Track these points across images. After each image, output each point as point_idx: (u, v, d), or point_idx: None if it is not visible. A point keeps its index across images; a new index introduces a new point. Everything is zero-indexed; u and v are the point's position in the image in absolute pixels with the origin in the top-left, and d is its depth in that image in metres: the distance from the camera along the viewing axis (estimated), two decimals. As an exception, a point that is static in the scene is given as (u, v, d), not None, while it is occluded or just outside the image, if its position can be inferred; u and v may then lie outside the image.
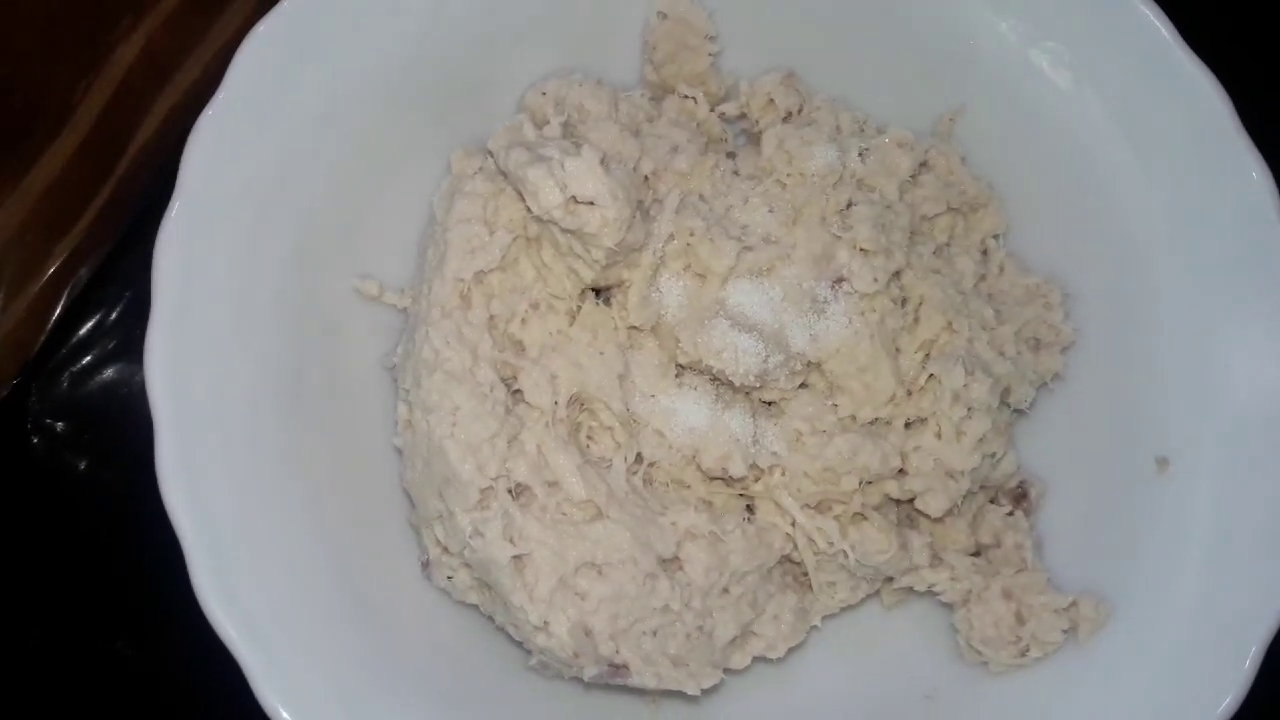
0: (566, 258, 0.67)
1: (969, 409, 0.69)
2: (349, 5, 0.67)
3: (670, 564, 0.67)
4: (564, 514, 0.66)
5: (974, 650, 0.70)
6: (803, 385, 0.70)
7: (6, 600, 0.81)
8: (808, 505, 0.69)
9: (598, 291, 0.70)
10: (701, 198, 0.71)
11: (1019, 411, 0.73)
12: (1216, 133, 0.67)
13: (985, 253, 0.76)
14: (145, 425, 0.62)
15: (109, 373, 0.84)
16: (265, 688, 0.61)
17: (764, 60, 0.76)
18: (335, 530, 0.67)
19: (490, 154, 0.69)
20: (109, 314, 0.84)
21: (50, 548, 0.82)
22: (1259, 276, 0.67)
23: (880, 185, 0.72)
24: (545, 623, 0.65)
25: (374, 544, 0.69)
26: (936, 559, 0.71)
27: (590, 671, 0.66)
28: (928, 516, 0.71)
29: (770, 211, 0.70)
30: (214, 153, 0.64)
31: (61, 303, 0.79)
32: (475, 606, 0.70)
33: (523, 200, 0.66)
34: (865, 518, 0.69)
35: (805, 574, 0.71)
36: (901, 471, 0.69)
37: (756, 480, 0.69)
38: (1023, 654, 0.69)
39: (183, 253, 0.64)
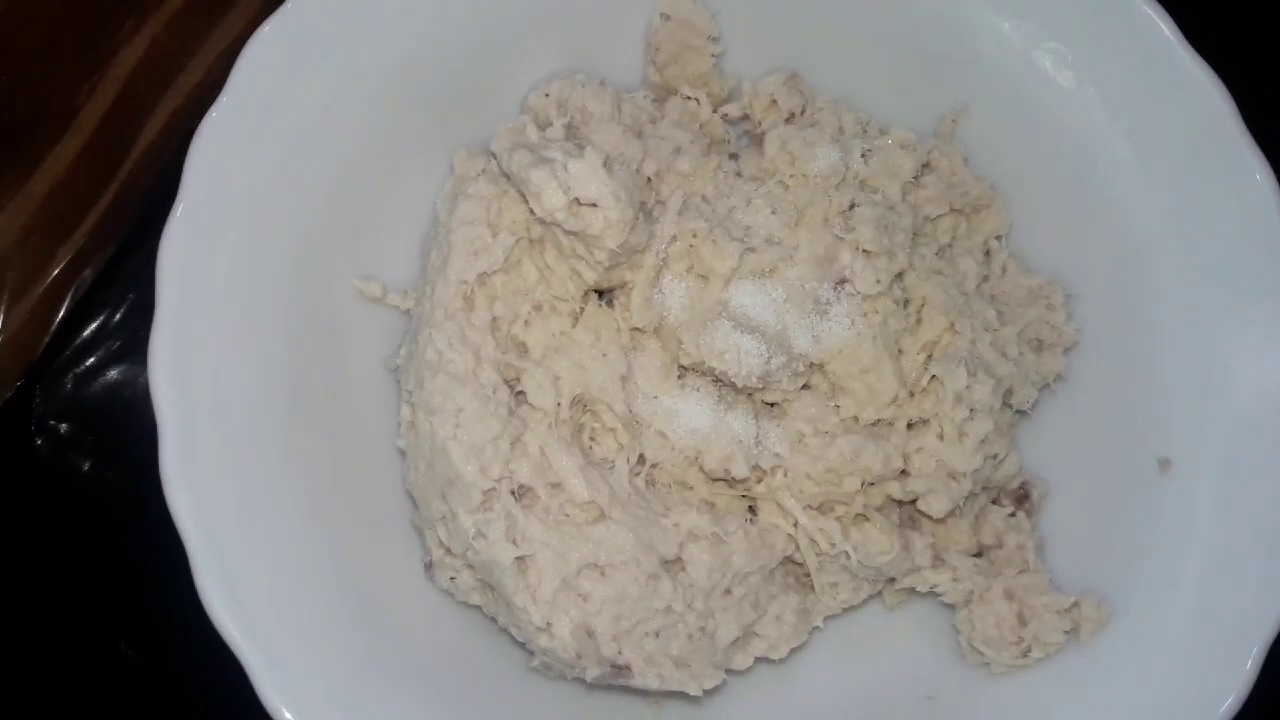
0: (569, 259, 0.67)
1: (971, 410, 0.69)
2: (351, 8, 0.67)
3: (673, 565, 0.67)
4: (567, 515, 0.66)
5: (976, 651, 0.70)
6: (805, 386, 0.70)
7: (10, 600, 0.81)
8: (810, 506, 0.69)
9: (600, 293, 0.70)
10: (704, 199, 0.71)
11: (1021, 412, 0.73)
12: (1219, 133, 0.67)
13: (988, 254, 0.75)
14: (149, 427, 0.62)
15: (113, 375, 0.84)
16: (268, 688, 0.61)
17: (767, 61, 0.76)
18: (338, 531, 0.67)
19: (493, 156, 0.69)
20: (113, 316, 0.84)
21: (54, 549, 0.82)
22: (1261, 277, 0.67)
23: (883, 186, 0.71)
24: (548, 624, 0.65)
25: (377, 545, 0.69)
26: (938, 560, 0.71)
27: (593, 672, 0.66)
28: (930, 517, 0.71)
29: (773, 213, 0.70)
30: (217, 155, 0.64)
31: (65, 305, 0.79)
32: (478, 608, 0.70)
33: (526, 202, 0.66)
34: (867, 519, 0.69)
35: (807, 575, 0.71)
36: (903, 472, 0.69)
37: (759, 481, 0.69)
38: (1024, 655, 0.69)
39: (186, 255, 0.64)
